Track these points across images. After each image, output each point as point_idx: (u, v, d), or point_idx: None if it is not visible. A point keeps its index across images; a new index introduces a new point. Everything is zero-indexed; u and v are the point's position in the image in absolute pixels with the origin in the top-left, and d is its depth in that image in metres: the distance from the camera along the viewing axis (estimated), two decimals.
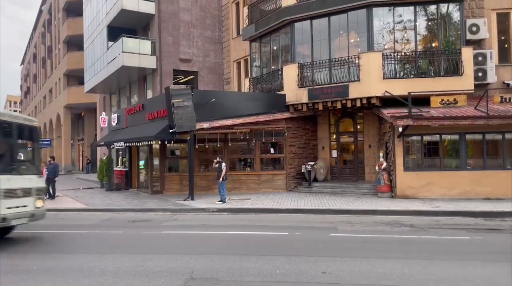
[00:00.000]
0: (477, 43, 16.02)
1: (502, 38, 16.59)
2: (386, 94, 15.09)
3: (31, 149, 9.48)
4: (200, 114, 15.96)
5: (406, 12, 15.86)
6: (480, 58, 15.53)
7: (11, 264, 6.63)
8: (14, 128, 8.53)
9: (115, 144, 19.86)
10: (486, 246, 7.94)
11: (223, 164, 14.57)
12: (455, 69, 15.24)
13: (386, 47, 15.99)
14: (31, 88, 62.19)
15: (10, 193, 7.98)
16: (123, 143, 18.88)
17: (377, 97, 15.60)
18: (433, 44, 15.99)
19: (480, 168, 14.52)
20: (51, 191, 17.16)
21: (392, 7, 15.85)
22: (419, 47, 15.90)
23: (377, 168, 15.60)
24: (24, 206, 8.37)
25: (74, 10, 37.02)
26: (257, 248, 7.76)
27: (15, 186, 8.15)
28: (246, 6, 21.83)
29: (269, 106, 17.82)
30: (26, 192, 8.45)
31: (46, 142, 29.43)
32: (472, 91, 15.14)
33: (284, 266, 6.25)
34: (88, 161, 39.60)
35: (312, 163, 17.66)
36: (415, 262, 6.47)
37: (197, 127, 15.85)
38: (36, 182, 8.89)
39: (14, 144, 8.73)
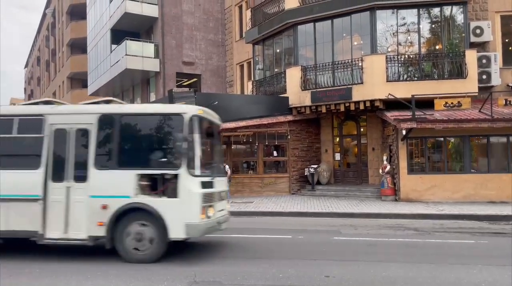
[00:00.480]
0: (481, 46, 15.96)
1: (506, 40, 16.54)
2: (390, 97, 15.06)
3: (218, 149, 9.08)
4: None
5: (410, 15, 15.84)
6: (484, 61, 15.47)
7: (10, 266, 6.61)
8: (215, 128, 8.25)
9: None
10: (491, 249, 7.87)
11: (227, 167, 14.54)
12: (459, 72, 15.20)
13: (389, 49, 15.97)
14: (35, 91, 62.45)
15: (218, 196, 7.48)
16: None
17: (380, 100, 15.55)
18: (437, 47, 15.96)
19: (484, 171, 14.45)
20: None
21: (395, 10, 15.83)
22: (423, 50, 15.87)
23: (380, 171, 15.54)
24: (223, 210, 7.79)
25: (78, 13, 37.19)
26: (260, 251, 7.72)
27: (220, 188, 7.67)
28: (249, 9, 21.86)
29: (272, 109, 17.80)
30: (225, 195, 8.04)
31: None
32: (476, 94, 15.10)
33: (287, 269, 6.20)
34: None
35: (315, 166, 17.61)
36: (420, 265, 6.42)
37: None
38: (226, 183, 8.37)
39: (216, 144, 8.56)
